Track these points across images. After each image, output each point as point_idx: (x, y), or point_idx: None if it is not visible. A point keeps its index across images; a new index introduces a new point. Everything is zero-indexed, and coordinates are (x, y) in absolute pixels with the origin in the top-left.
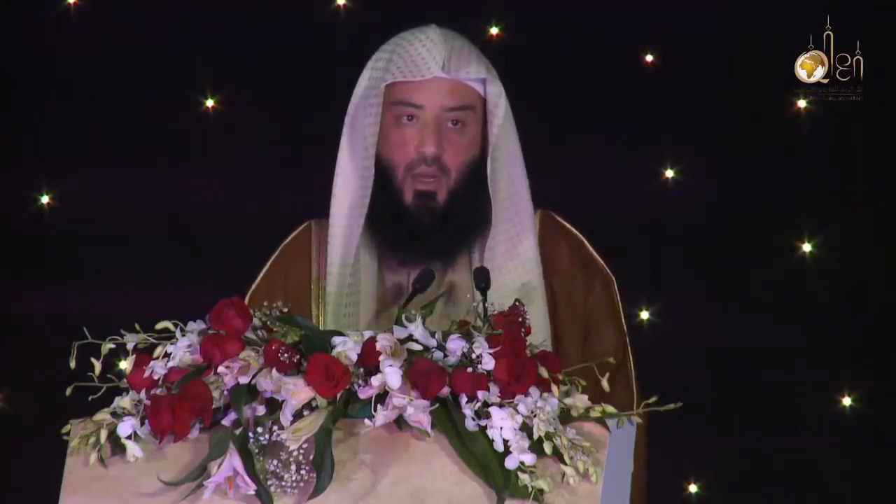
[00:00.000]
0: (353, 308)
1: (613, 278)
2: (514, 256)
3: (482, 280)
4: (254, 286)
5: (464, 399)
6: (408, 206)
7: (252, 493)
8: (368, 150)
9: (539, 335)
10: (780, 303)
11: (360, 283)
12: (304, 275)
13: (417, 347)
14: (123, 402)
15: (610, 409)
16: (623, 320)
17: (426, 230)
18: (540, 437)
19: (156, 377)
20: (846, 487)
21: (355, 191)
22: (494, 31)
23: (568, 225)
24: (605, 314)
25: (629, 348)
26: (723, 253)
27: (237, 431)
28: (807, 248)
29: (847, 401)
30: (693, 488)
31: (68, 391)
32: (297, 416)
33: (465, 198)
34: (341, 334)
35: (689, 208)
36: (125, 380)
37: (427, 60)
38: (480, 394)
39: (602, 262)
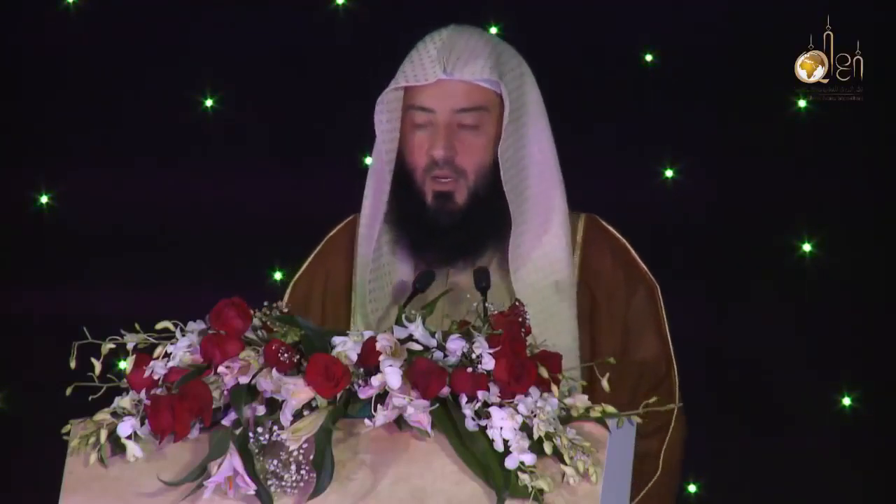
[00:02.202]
0: (377, 304)
1: (658, 286)
2: (541, 255)
3: (482, 280)
4: (296, 278)
5: (464, 399)
6: (429, 207)
7: (252, 493)
8: (387, 155)
9: (565, 337)
10: (780, 303)
11: (385, 279)
12: (345, 267)
13: (417, 347)
14: (123, 402)
15: (610, 409)
16: (667, 329)
17: (445, 230)
18: (540, 437)
19: (156, 377)
20: (845, 487)
21: (377, 191)
22: (494, 30)
23: (613, 230)
24: (647, 321)
25: (674, 359)
26: (722, 253)
27: (237, 431)
28: (807, 248)
29: (847, 401)
30: (692, 488)
31: (68, 391)
32: (297, 416)
33: (487, 199)
34: (342, 334)
35: (688, 208)
36: (125, 380)
37: (434, 63)
38: (480, 394)
39: (646, 269)
